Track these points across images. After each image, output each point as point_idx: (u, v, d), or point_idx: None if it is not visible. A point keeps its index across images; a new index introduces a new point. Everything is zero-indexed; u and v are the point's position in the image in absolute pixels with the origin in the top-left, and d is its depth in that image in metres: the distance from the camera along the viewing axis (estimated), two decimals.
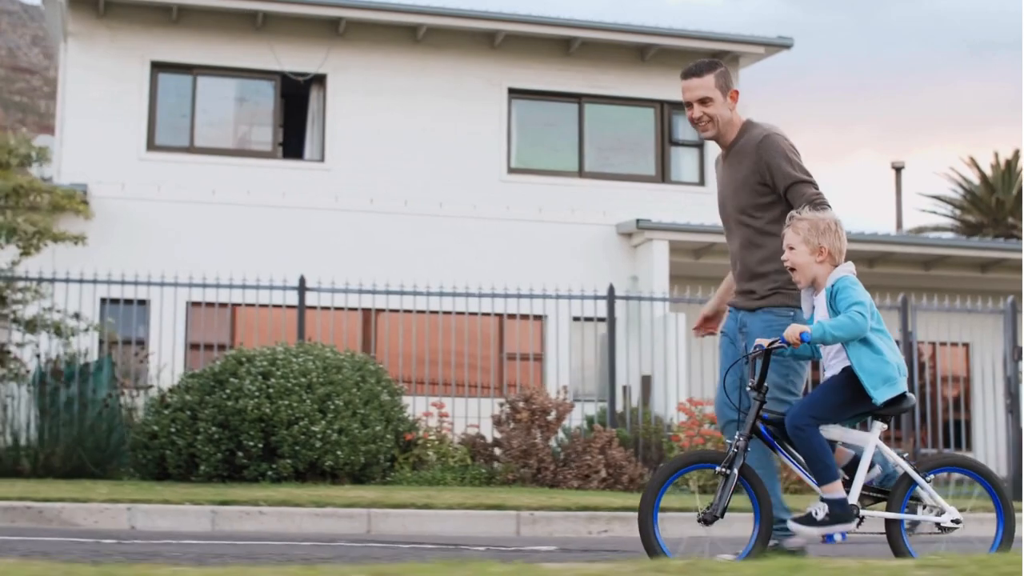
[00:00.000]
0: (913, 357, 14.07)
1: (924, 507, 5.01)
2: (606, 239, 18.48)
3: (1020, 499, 12.04)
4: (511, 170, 18.66)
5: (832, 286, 4.92)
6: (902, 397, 4.89)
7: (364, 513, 9.01)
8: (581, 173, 18.97)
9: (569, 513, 9.33)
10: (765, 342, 4.99)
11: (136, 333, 15.33)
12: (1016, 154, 32.70)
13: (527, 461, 12.10)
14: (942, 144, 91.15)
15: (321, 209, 17.69)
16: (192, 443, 11.35)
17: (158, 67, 17.75)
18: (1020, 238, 26.46)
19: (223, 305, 15.46)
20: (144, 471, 11.64)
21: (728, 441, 5.10)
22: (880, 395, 4.82)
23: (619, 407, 15.04)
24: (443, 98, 18.40)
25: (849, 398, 4.88)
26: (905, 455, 5.14)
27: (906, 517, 4.97)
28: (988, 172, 33.08)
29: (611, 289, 14.34)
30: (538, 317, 16.94)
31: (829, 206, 5.35)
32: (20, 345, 12.70)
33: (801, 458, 4.97)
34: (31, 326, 12.74)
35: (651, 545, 4.85)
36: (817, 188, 5.43)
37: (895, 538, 4.96)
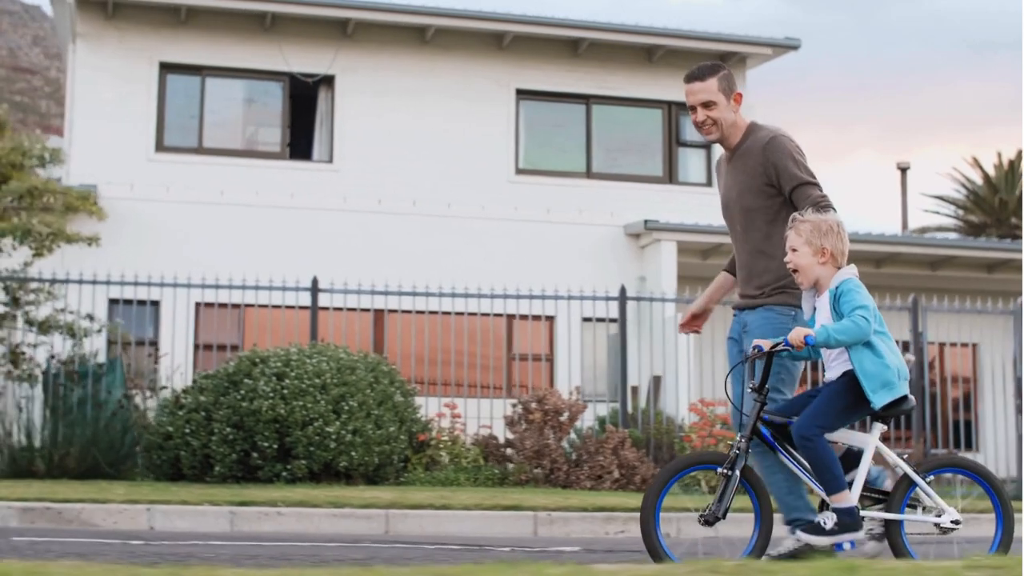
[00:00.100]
0: (924, 358, 14.09)
1: (923, 508, 5.03)
2: (614, 240, 18.50)
3: None
4: (519, 171, 18.69)
5: (836, 288, 4.94)
6: (902, 399, 4.91)
7: (382, 514, 9.03)
8: (589, 174, 19.00)
9: (586, 514, 9.35)
10: (766, 344, 4.99)
11: (145, 334, 15.35)
12: (1019, 154, 32.73)
13: (540, 462, 12.12)
14: (942, 144, 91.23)
15: (329, 210, 17.71)
16: (207, 444, 11.36)
17: (167, 68, 17.77)
18: (1023, 238, 26.48)
19: (232, 306, 15.46)
20: (158, 472, 11.65)
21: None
22: (878, 399, 4.85)
23: (628, 408, 15.07)
24: (451, 99, 18.43)
25: (852, 402, 4.91)
26: (905, 456, 5.16)
27: (906, 518, 4.99)
28: (991, 172, 33.11)
29: (623, 290, 14.37)
30: (548, 318, 16.96)
31: (833, 208, 5.38)
32: (34, 346, 12.71)
33: (804, 461, 5.00)
34: (44, 327, 12.76)
35: (653, 546, 4.86)
36: (822, 190, 5.45)
37: (895, 539, 4.98)
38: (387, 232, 17.77)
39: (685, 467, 5.11)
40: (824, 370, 5.11)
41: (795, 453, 5.03)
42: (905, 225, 25.71)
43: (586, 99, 19.09)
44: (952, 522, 5.00)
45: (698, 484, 9.52)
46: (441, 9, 18.08)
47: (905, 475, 5.02)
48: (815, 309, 5.07)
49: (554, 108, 19.07)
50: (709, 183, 19.13)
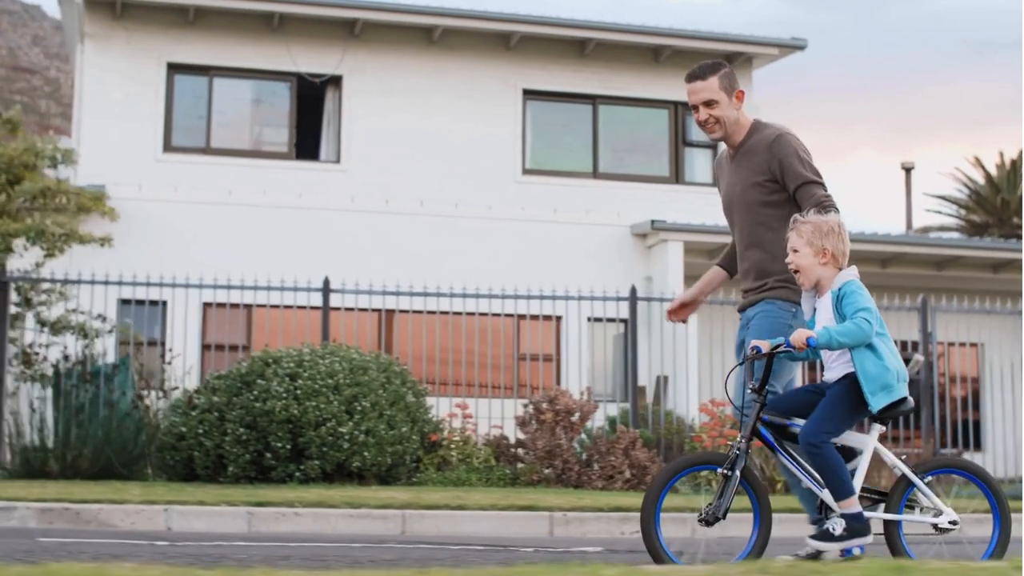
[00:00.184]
0: (933, 358, 14.13)
1: (921, 508, 5.06)
2: (620, 240, 18.53)
3: None
4: (526, 171, 18.73)
5: (839, 289, 4.96)
6: (900, 401, 4.94)
7: (399, 514, 9.05)
8: (596, 174, 19.04)
9: (601, 514, 9.37)
10: (765, 345, 5.01)
11: (152, 334, 15.36)
12: (1021, 154, 32.78)
13: (552, 462, 12.15)
14: (942, 144, 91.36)
15: (337, 210, 17.74)
16: (220, 444, 11.38)
17: (174, 68, 17.80)
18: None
19: (239, 306, 15.48)
20: (171, 472, 11.67)
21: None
22: (877, 402, 4.88)
23: (638, 408, 15.11)
24: (458, 99, 18.46)
25: (854, 405, 4.93)
26: (904, 457, 5.19)
27: (904, 518, 5.02)
28: (993, 172, 33.16)
29: (633, 290, 14.40)
30: (554, 318, 16.98)
31: (836, 208, 5.41)
32: (46, 346, 12.74)
33: (803, 462, 5.03)
34: (57, 328, 12.78)
35: (654, 547, 4.87)
36: (826, 190, 5.49)
37: (893, 539, 5.01)
38: (394, 232, 17.80)
39: (685, 468, 5.13)
40: (824, 371, 5.13)
41: (794, 454, 5.07)
42: (909, 225, 25.77)
43: (593, 99, 19.13)
44: (950, 522, 5.02)
45: (709, 484, 9.56)
46: (448, 9, 18.12)
47: (903, 475, 5.05)
48: (815, 310, 5.09)
49: (561, 108, 19.10)
50: (716, 183, 19.14)
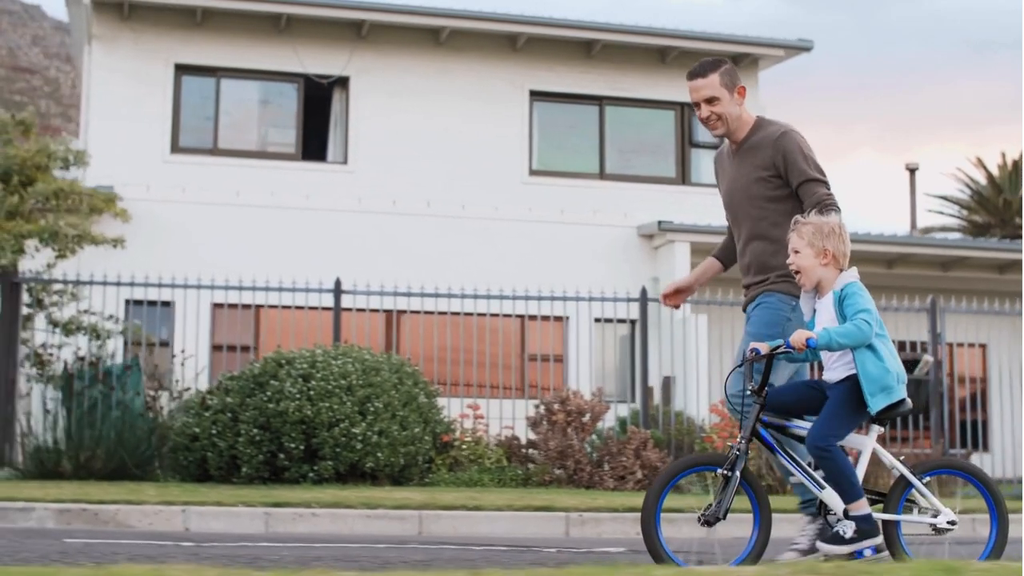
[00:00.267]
0: (943, 359, 14.16)
1: (920, 509, 5.09)
2: (627, 241, 18.57)
3: None
4: (533, 172, 18.76)
5: (841, 290, 4.99)
6: (899, 403, 4.97)
7: (415, 515, 9.07)
8: (602, 175, 19.07)
9: (616, 514, 9.40)
10: (764, 347, 5.04)
11: (160, 335, 15.37)
12: (1023, 155, 32.82)
13: (564, 462, 12.18)
14: (941, 143, 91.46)
15: (344, 211, 17.77)
16: (233, 445, 11.40)
17: (182, 69, 17.83)
18: None
19: (248, 307, 15.50)
20: (184, 473, 11.69)
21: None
22: (876, 404, 4.91)
23: (636, 407, 15.14)
24: (465, 100, 18.49)
25: (857, 406, 4.96)
26: (902, 457, 5.22)
27: (902, 518, 5.04)
28: (995, 172, 33.20)
29: (643, 291, 14.44)
30: (561, 318, 17.01)
31: (838, 208, 5.47)
32: (58, 347, 12.76)
33: (802, 462, 5.06)
34: (69, 328, 12.80)
35: (654, 548, 4.89)
36: (829, 188, 5.55)
37: (891, 539, 5.03)
38: (401, 233, 17.83)
39: (685, 468, 5.17)
40: (824, 371, 5.15)
41: (793, 455, 5.10)
42: (914, 225, 25.82)
43: (599, 100, 19.17)
44: (948, 523, 5.05)
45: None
46: (455, 11, 18.15)
47: (902, 476, 5.08)
48: (815, 311, 5.12)
49: (568, 109, 19.14)
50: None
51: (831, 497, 4.98)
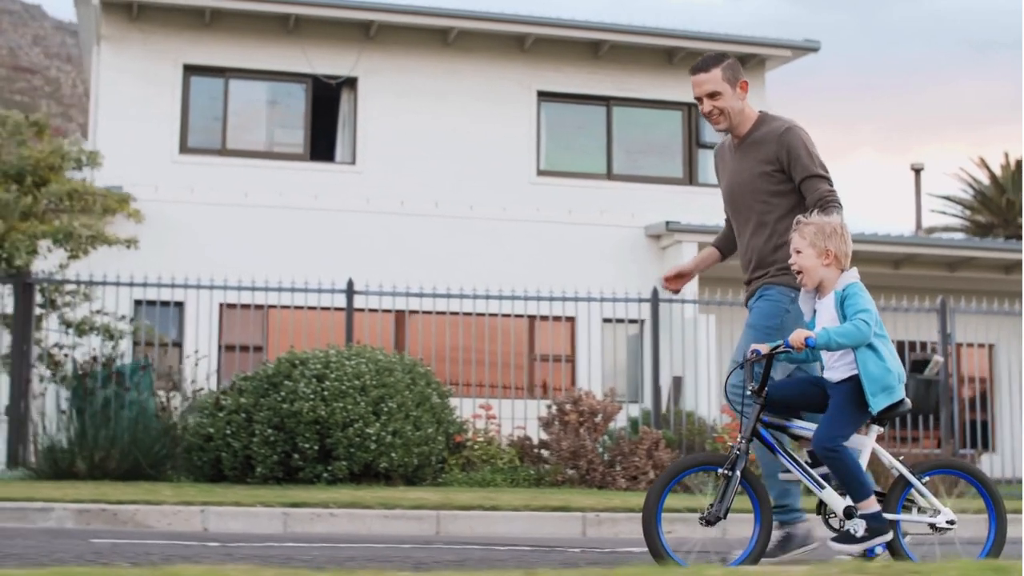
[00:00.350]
0: (952, 359, 14.19)
1: (919, 508, 5.11)
2: (634, 241, 18.60)
3: None
4: (540, 172, 18.80)
5: (843, 291, 5.02)
6: (899, 402, 5.00)
7: (433, 515, 9.09)
8: (610, 175, 19.11)
9: (632, 515, 9.40)
10: (764, 347, 5.06)
11: (169, 335, 15.40)
12: None
13: (577, 463, 12.20)
14: (942, 143, 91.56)
15: (352, 211, 17.80)
16: (248, 445, 11.41)
17: (190, 70, 17.85)
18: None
19: (258, 307, 15.52)
20: (198, 473, 11.70)
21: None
22: (877, 403, 4.94)
23: (651, 408, 15.16)
24: (473, 100, 18.52)
25: (860, 405, 4.99)
26: (901, 457, 5.26)
27: (901, 518, 5.07)
28: (998, 172, 33.23)
29: (655, 292, 14.46)
30: (569, 319, 17.03)
31: (840, 204, 5.51)
32: (72, 347, 12.79)
33: (801, 462, 5.10)
34: (82, 329, 12.83)
35: (655, 547, 4.93)
36: (831, 185, 5.59)
37: (891, 539, 5.04)
38: (410, 233, 17.86)
39: (686, 469, 5.22)
40: (825, 370, 5.17)
41: (794, 455, 5.13)
42: (919, 225, 25.87)
43: (607, 101, 19.20)
44: (947, 522, 5.08)
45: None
46: (463, 11, 18.19)
47: (901, 476, 5.11)
48: (815, 311, 5.15)
49: (575, 110, 19.18)
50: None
51: (831, 497, 5.02)
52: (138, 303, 15.01)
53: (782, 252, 5.49)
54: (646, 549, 6.66)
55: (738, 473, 4.97)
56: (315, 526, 8.94)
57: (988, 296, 18.39)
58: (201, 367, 13.66)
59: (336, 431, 11.33)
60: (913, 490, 5.11)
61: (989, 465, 15.53)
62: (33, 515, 8.88)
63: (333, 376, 11.53)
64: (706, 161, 19.53)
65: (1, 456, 12.56)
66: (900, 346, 13.96)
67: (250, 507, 9.06)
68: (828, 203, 5.45)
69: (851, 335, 4.87)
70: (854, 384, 4.96)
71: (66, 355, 12.54)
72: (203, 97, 17.94)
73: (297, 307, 14.58)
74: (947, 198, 34.01)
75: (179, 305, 15.43)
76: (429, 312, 15.27)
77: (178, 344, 15.44)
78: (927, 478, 5.16)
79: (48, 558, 4.96)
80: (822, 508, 5.13)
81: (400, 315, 16.77)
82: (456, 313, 14.89)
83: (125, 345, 13.80)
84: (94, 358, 12.32)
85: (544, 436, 12.84)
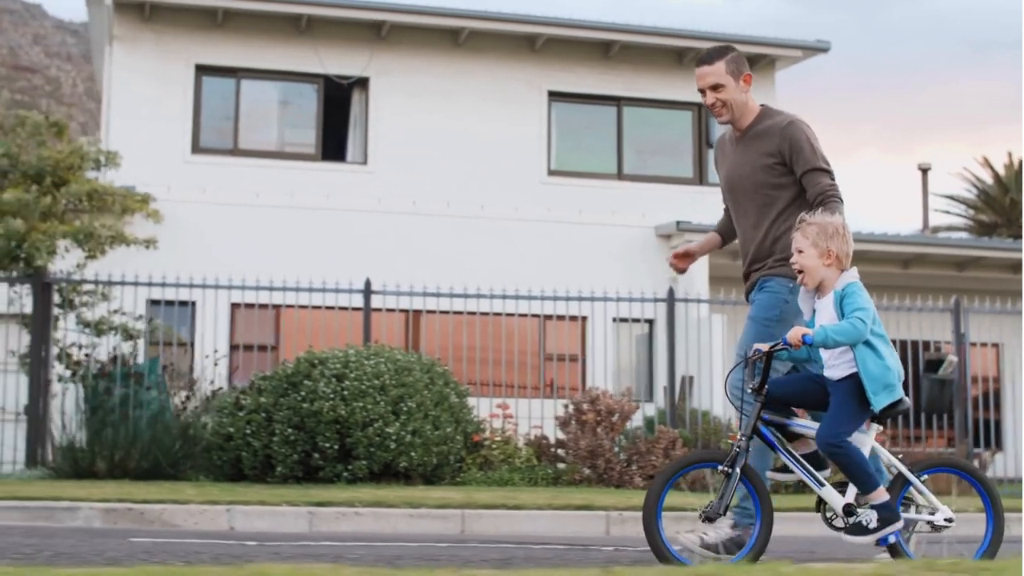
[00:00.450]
0: (966, 359, 14.24)
1: (917, 507, 5.15)
2: (644, 241, 18.64)
3: None
4: (551, 172, 18.84)
5: (842, 290, 5.06)
6: (899, 401, 5.03)
7: (458, 514, 9.15)
8: (620, 175, 19.16)
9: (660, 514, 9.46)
10: (764, 347, 5.11)
11: (180, 334, 15.40)
12: None
13: (594, 462, 12.26)
14: (942, 143, 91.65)
15: (364, 211, 17.84)
16: (268, 445, 11.46)
17: (202, 70, 17.88)
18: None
19: (268, 306, 15.56)
20: (218, 472, 11.75)
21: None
22: (879, 402, 4.97)
23: (663, 407, 15.22)
24: (484, 101, 18.57)
25: (861, 402, 5.02)
26: (900, 456, 5.30)
27: (901, 516, 5.09)
28: (1002, 172, 33.30)
29: (671, 292, 14.52)
30: (580, 318, 17.06)
31: (841, 200, 5.55)
32: (92, 347, 12.82)
33: (802, 460, 5.15)
34: (100, 328, 12.87)
35: (656, 545, 4.96)
36: (833, 179, 5.64)
37: (883, 543, 5.08)
38: (421, 233, 17.90)
39: (686, 466, 5.23)
40: (825, 369, 5.20)
41: (794, 452, 5.17)
42: (926, 225, 25.94)
43: (617, 101, 19.25)
44: (945, 520, 5.12)
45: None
46: (474, 11, 18.23)
47: (900, 474, 5.15)
48: (815, 311, 5.18)
49: (586, 110, 19.22)
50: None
51: (830, 494, 5.06)
52: (158, 303, 15.03)
53: (780, 244, 5.56)
54: (678, 547, 6.71)
55: (738, 470, 5.01)
56: (341, 525, 8.99)
57: (995, 295, 18.45)
58: (204, 365, 13.68)
59: (356, 431, 11.38)
60: (912, 488, 5.16)
61: (1003, 465, 15.59)
62: (60, 514, 8.93)
63: (353, 376, 11.58)
64: None
65: (20, 455, 12.60)
66: (914, 346, 14.02)
67: (276, 506, 9.11)
68: (829, 198, 5.50)
69: (848, 332, 4.91)
70: (855, 381, 5.00)
71: (87, 355, 12.58)
72: (215, 97, 17.97)
73: (313, 307, 14.60)
74: (951, 197, 34.08)
75: (189, 304, 15.45)
76: (441, 311, 15.30)
77: (186, 344, 15.43)
78: (925, 476, 5.20)
79: (100, 557, 5.00)
80: (822, 506, 5.16)
81: (412, 315, 16.81)
82: (469, 313, 14.93)
83: (138, 345, 13.83)
84: (114, 358, 12.36)
85: (561, 435, 12.89)
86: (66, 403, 12.46)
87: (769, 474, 5.39)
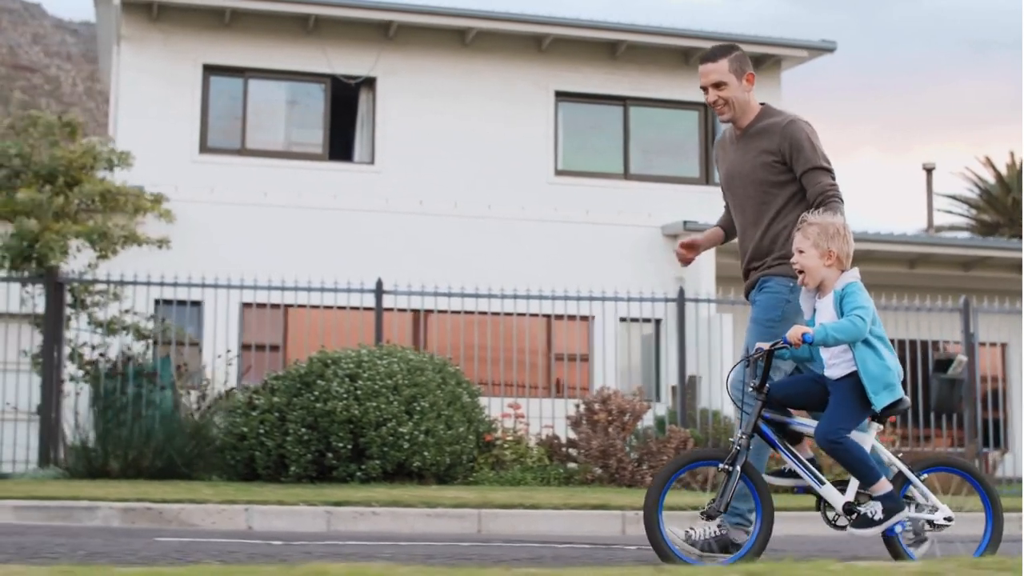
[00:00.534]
0: (976, 358, 14.27)
1: (917, 505, 5.18)
2: (651, 241, 18.66)
3: None
4: (558, 172, 18.87)
5: (842, 289, 5.09)
6: (899, 400, 5.07)
7: (474, 513, 9.17)
8: (627, 175, 19.19)
9: (671, 513, 9.47)
10: (766, 345, 5.14)
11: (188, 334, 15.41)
12: None
13: (606, 461, 12.29)
14: (942, 143, 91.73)
15: (371, 211, 17.85)
16: (281, 444, 11.49)
17: (210, 70, 17.90)
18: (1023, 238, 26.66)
19: (276, 306, 15.57)
20: (231, 472, 11.77)
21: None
22: (880, 401, 5.01)
23: (670, 407, 15.26)
24: (491, 101, 18.59)
25: (861, 401, 5.06)
26: (900, 455, 5.34)
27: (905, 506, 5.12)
28: (1004, 172, 33.35)
29: (681, 292, 14.57)
30: (587, 318, 17.10)
31: (841, 199, 5.59)
32: (106, 346, 12.85)
33: (803, 458, 5.17)
34: (112, 328, 12.89)
35: (657, 543, 4.99)
36: (834, 178, 5.67)
37: (889, 536, 5.13)
38: (428, 233, 17.92)
39: (686, 464, 5.27)
40: (825, 369, 5.23)
41: (795, 451, 5.21)
42: (931, 224, 26.01)
43: (624, 101, 19.28)
44: (945, 519, 5.15)
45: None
46: (481, 12, 18.25)
47: (900, 472, 5.18)
48: (815, 310, 5.22)
49: (592, 110, 19.25)
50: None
51: (830, 493, 5.09)
52: (164, 303, 15.04)
53: (779, 241, 5.59)
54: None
55: (738, 468, 5.03)
56: (358, 524, 9.02)
57: (1000, 295, 18.49)
58: (216, 365, 13.70)
59: (369, 430, 11.41)
60: (911, 487, 5.19)
61: (1012, 465, 15.63)
62: (79, 514, 8.96)
63: (366, 376, 11.60)
64: None
65: (33, 455, 12.62)
66: (923, 346, 14.06)
67: (293, 506, 9.14)
68: (830, 198, 5.53)
69: (847, 330, 4.95)
70: (855, 380, 5.04)
71: (101, 355, 12.60)
72: (223, 97, 17.99)
73: (325, 307, 14.56)
74: (953, 197, 34.14)
75: (199, 304, 15.45)
76: (448, 311, 15.32)
77: (198, 343, 15.43)
78: (925, 475, 5.24)
79: (135, 556, 5.02)
80: (821, 504, 5.19)
81: (419, 314, 16.83)
82: (476, 312, 14.96)
83: (148, 345, 13.85)
84: (128, 357, 12.39)
85: (572, 435, 12.92)
86: (78, 403, 12.48)
87: (766, 478, 5.40)
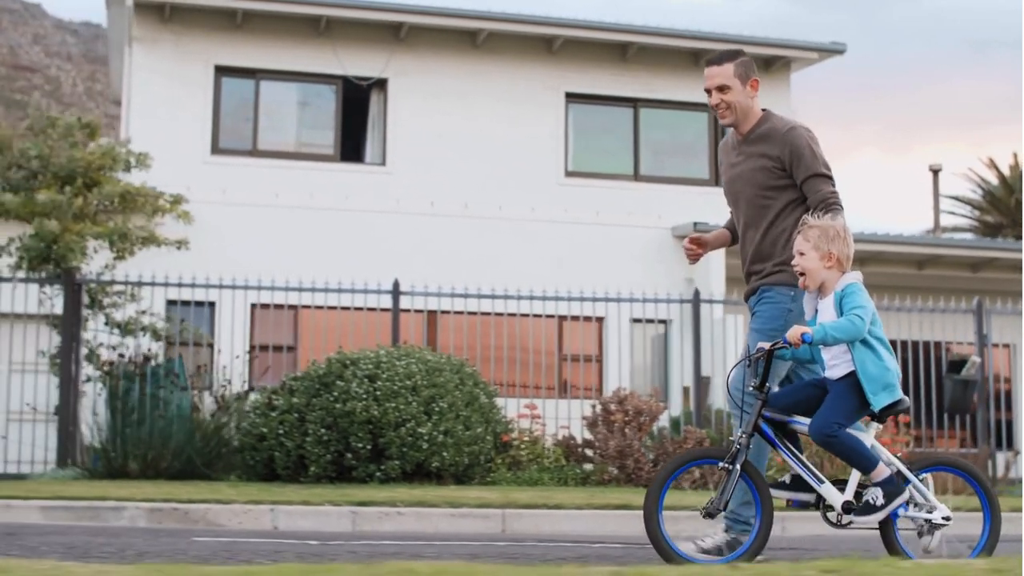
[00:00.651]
0: (989, 360, 14.33)
1: (915, 504, 5.21)
2: (661, 242, 18.71)
3: None
4: (568, 173, 18.92)
5: (842, 290, 5.14)
6: (899, 401, 5.11)
7: (499, 513, 9.21)
8: (637, 176, 19.24)
9: (690, 512, 9.51)
10: (766, 345, 5.19)
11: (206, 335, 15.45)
12: None
13: (623, 462, 12.34)
14: (942, 143, 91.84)
15: (382, 212, 17.90)
16: (301, 445, 11.54)
17: (222, 71, 17.94)
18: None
19: (290, 307, 15.62)
20: (251, 472, 11.82)
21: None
22: (878, 401, 5.06)
23: (680, 408, 15.31)
24: (502, 102, 18.64)
25: (858, 400, 5.10)
26: (899, 455, 5.38)
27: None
28: (1007, 173, 33.39)
29: (696, 293, 14.62)
30: (597, 319, 17.15)
31: (841, 206, 5.63)
32: (126, 348, 12.89)
33: (802, 457, 5.22)
34: (129, 329, 12.93)
35: (658, 542, 5.01)
36: (834, 186, 5.72)
37: (888, 534, 5.18)
38: (439, 234, 17.96)
39: (687, 463, 5.31)
40: (825, 369, 5.28)
41: (794, 449, 5.25)
42: (937, 226, 26.09)
43: (634, 102, 19.33)
44: (943, 518, 5.19)
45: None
46: (492, 13, 18.30)
47: (898, 472, 5.21)
48: (816, 311, 5.27)
49: (602, 111, 19.30)
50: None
51: (829, 491, 5.14)
52: (171, 303, 15.07)
53: (779, 245, 5.64)
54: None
55: (738, 467, 5.07)
56: (383, 524, 9.06)
57: (1007, 296, 18.54)
58: (234, 366, 13.74)
59: (389, 431, 11.46)
60: (910, 486, 5.21)
61: (1020, 465, 15.67)
62: (106, 514, 9.00)
63: (385, 376, 11.65)
64: None
65: (51, 455, 12.66)
66: (936, 348, 14.12)
67: (318, 506, 9.18)
68: (830, 205, 5.57)
69: (846, 329, 5.00)
70: (852, 380, 5.09)
71: (121, 355, 12.64)
72: (234, 98, 18.03)
73: (343, 308, 14.57)
74: (955, 198, 34.17)
75: (208, 305, 15.50)
76: (460, 312, 15.36)
77: (213, 344, 15.47)
78: (924, 475, 5.28)
79: (184, 556, 5.07)
80: (821, 503, 5.22)
81: (432, 315, 16.87)
82: (489, 313, 14.99)
83: (160, 345, 13.89)
84: (146, 358, 12.43)
85: (588, 435, 12.97)
86: (97, 404, 12.52)
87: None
